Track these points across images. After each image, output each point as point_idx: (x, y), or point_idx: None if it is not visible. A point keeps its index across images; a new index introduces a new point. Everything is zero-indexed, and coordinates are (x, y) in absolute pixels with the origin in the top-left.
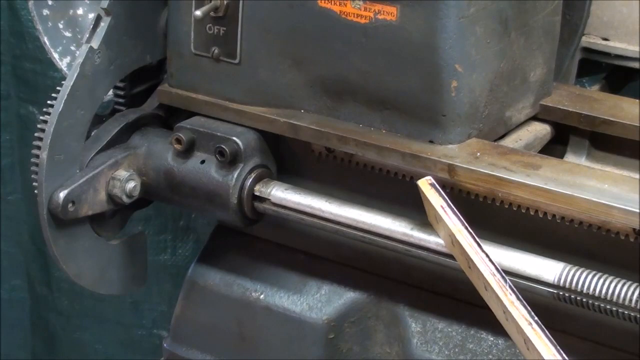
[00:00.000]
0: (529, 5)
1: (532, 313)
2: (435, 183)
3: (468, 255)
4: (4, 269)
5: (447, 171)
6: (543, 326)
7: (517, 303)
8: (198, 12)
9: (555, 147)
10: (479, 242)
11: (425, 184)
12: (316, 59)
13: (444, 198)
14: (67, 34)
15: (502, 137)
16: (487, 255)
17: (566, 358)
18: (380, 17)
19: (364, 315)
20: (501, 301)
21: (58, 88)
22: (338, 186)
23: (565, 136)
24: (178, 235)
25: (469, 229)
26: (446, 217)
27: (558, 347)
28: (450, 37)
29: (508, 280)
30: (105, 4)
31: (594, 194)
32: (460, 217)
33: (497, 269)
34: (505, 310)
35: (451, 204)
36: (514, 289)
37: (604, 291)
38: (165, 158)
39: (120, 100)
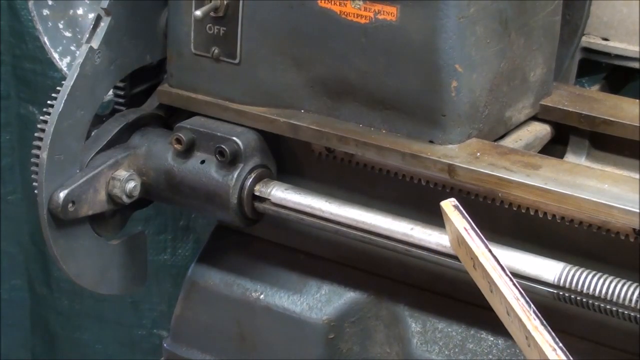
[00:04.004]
0: (529, 5)
1: (557, 339)
2: (459, 205)
3: (491, 279)
4: (4, 269)
5: (447, 171)
6: (567, 352)
7: (541, 328)
8: (198, 12)
9: (555, 147)
10: (503, 265)
11: (449, 206)
12: (316, 59)
13: (467, 220)
14: (67, 34)
15: (502, 137)
16: (511, 279)
17: None
18: (380, 17)
19: (364, 315)
20: (524, 326)
21: (58, 88)
22: (338, 186)
23: (565, 136)
24: (178, 235)
25: (493, 252)
26: (469, 239)
27: None
28: (450, 37)
29: (532, 305)
30: (105, 4)
31: (594, 194)
32: (484, 240)
33: (521, 293)
34: (529, 336)
35: (475, 227)
36: (538, 314)
37: (604, 291)
38: (165, 158)
39: (120, 100)
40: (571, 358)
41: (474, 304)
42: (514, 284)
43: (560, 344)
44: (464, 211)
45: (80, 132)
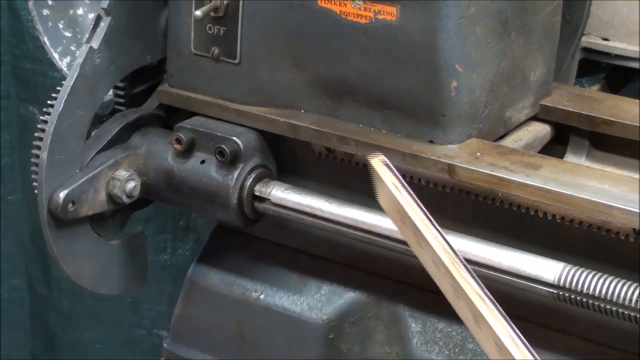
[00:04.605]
0: (529, 5)
1: (485, 289)
2: (389, 162)
3: (420, 233)
4: (4, 269)
5: (447, 171)
6: (496, 302)
7: (470, 279)
8: (198, 12)
9: (555, 147)
10: (432, 219)
11: (378, 162)
12: (316, 59)
13: (396, 176)
14: (67, 34)
15: (502, 137)
16: (439, 232)
17: (517, 332)
18: (380, 17)
19: (364, 315)
20: (453, 277)
21: (58, 88)
22: (338, 186)
23: (565, 136)
24: (178, 235)
25: (422, 206)
26: (398, 193)
27: (511, 323)
28: (450, 37)
29: (461, 257)
30: (105, 4)
31: (594, 194)
32: (413, 194)
33: (449, 245)
34: (457, 287)
35: (404, 183)
36: (467, 265)
37: (604, 291)
38: (165, 158)
39: (120, 100)
40: (498, 306)
41: None
42: (443, 237)
43: (489, 294)
44: (392, 167)
45: (80, 132)
